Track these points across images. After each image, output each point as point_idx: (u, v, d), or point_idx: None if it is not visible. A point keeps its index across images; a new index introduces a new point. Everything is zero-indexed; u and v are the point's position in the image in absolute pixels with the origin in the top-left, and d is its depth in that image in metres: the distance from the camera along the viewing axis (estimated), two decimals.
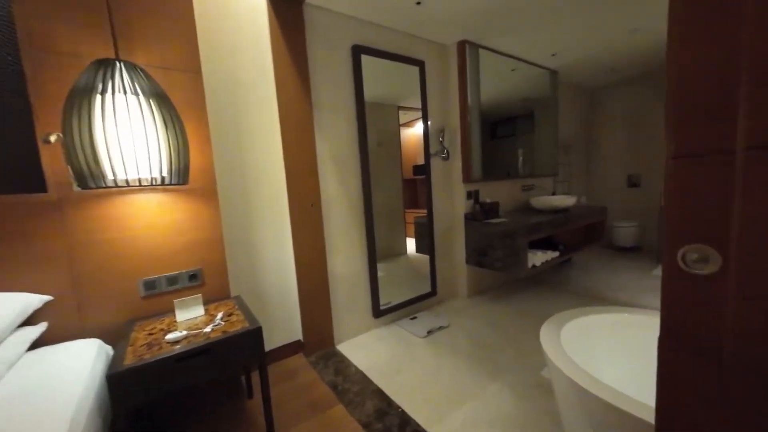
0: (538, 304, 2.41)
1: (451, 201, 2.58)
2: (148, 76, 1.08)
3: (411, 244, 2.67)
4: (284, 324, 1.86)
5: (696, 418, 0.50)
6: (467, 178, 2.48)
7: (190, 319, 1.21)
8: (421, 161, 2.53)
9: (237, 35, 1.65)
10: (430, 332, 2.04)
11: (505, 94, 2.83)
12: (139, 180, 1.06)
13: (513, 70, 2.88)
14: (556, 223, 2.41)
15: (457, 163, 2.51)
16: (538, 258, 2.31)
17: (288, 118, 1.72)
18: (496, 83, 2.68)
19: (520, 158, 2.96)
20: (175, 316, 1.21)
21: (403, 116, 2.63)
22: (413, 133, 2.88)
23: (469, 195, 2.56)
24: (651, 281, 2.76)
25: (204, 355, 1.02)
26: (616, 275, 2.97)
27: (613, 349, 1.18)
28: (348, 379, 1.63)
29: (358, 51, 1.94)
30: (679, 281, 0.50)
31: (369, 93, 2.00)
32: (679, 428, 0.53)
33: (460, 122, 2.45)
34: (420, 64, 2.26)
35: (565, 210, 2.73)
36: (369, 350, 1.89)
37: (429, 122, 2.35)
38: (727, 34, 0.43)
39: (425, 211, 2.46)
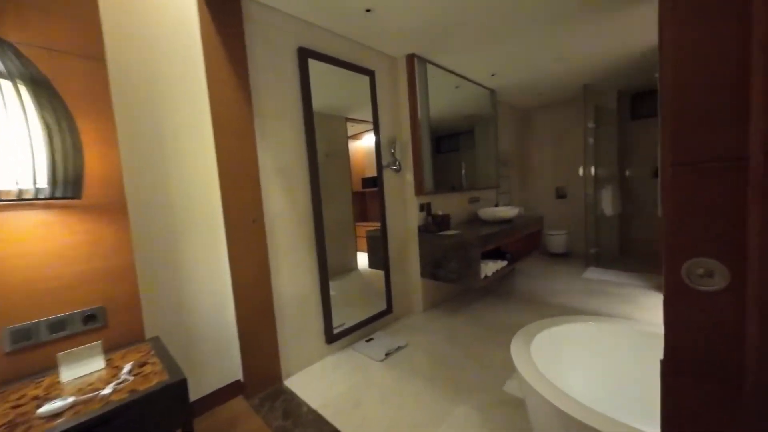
0: (492, 313, 2.45)
1: (404, 214, 2.53)
2: (19, 55, 0.80)
3: (362, 259, 2.54)
4: (219, 362, 1.56)
5: None
6: (419, 190, 2.45)
7: (82, 377, 0.91)
8: (370, 174, 2.44)
9: (159, 21, 1.40)
10: (388, 354, 1.91)
11: (449, 110, 2.91)
12: None
13: (457, 87, 3.00)
14: (505, 233, 2.50)
15: (408, 175, 2.48)
16: (489, 268, 2.35)
17: (223, 121, 1.49)
18: (442, 99, 2.75)
19: (464, 171, 3.06)
20: (58, 375, 0.90)
21: (351, 128, 2.54)
22: (361, 145, 2.80)
23: (422, 207, 2.54)
24: (583, 284, 3.01)
25: (101, 430, 0.75)
26: (553, 280, 3.19)
27: (581, 358, 1.18)
28: (300, 421, 1.41)
29: (305, 54, 1.80)
30: (684, 299, 0.46)
31: (317, 103, 1.86)
32: None
33: (411, 134, 2.43)
34: (370, 74, 2.20)
35: (509, 221, 2.86)
36: (323, 383, 1.69)
37: (380, 133, 2.29)
38: (730, 33, 0.40)
39: (376, 224, 2.36)
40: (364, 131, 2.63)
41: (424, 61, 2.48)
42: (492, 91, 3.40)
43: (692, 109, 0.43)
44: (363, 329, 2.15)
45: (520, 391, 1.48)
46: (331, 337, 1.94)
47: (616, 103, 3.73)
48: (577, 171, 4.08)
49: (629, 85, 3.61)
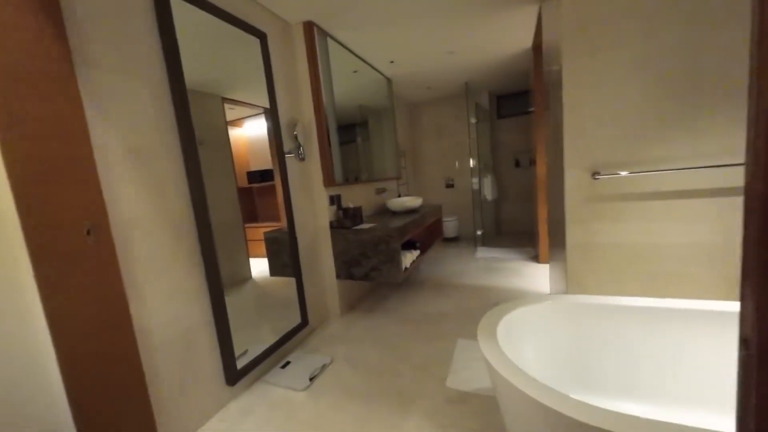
0: (409, 306, 2.40)
1: (312, 209, 2.19)
2: None
3: (258, 267, 2.09)
4: None
5: None
6: (329, 181, 2.17)
7: None
8: (256, 166, 1.99)
9: None
10: (312, 378, 1.59)
11: (348, 97, 2.70)
12: None
13: (355, 71, 2.81)
14: (416, 223, 2.47)
15: (314, 164, 2.16)
16: (407, 259, 2.28)
17: None
18: (341, 84, 2.51)
19: (366, 162, 2.93)
20: None
21: (230, 112, 2.01)
22: (243, 134, 2.27)
23: (332, 200, 2.26)
24: (477, 263, 3.34)
25: None
26: (453, 262, 3.44)
27: (535, 339, 1.17)
28: None
29: None
30: None
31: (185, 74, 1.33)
32: None
33: (315, 117, 2.11)
34: (261, 36, 1.76)
35: (416, 210, 2.88)
36: None
37: (279, 114, 1.88)
38: None
39: (272, 224, 1.97)
40: (247, 116, 2.10)
41: (324, 35, 2.18)
42: (389, 81, 3.36)
43: None
44: (275, 353, 1.74)
45: (453, 383, 1.43)
46: (234, 375, 1.48)
47: (488, 103, 4.28)
48: (461, 162, 4.53)
49: (497, 87, 4.19)
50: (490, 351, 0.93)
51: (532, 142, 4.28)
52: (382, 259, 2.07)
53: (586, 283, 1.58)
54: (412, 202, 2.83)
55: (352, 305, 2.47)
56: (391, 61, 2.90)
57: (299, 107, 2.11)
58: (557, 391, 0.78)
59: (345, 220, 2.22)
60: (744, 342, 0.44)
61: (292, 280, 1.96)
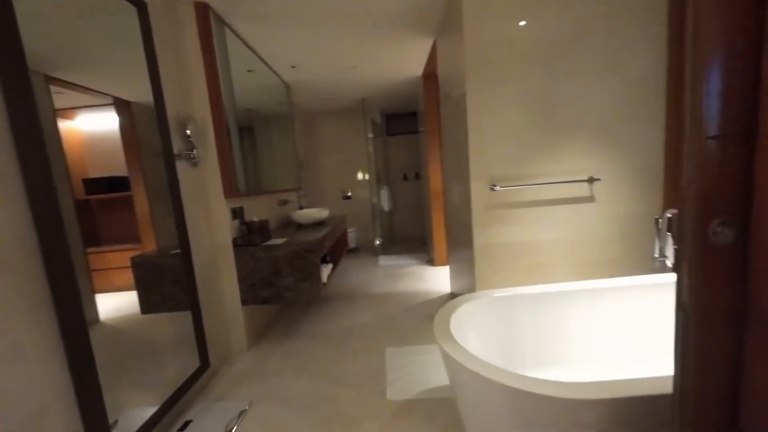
0: (325, 322, 2.27)
1: (208, 224, 1.82)
2: None
3: (111, 303, 1.58)
4: None
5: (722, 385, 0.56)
6: (231, 191, 1.85)
7: None
8: (97, 172, 1.51)
9: None
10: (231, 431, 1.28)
11: (242, 97, 2.42)
12: None
13: (250, 71, 2.54)
14: (331, 235, 2.38)
15: (211, 171, 1.81)
16: (324, 274, 2.16)
17: None
18: (235, 81, 2.23)
19: (266, 171, 2.67)
20: None
21: (61, 99, 1.48)
22: (79, 129, 1.65)
23: (234, 214, 1.93)
24: (382, 271, 3.46)
25: None
26: (358, 273, 3.46)
27: (479, 330, 1.26)
28: None
29: None
30: (710, 255, 0.53)
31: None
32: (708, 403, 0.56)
33: (212, 114, 1.77)
34: (140, 5, 1.37)
35: (323, 222, 2.78)
36: None
37: (165, 106, 1.49)
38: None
39: (127, 246, 1.55)
40: (85, 107, 1.52)
41: (222, 23, 1.88)
42: (287, 86, 3.17)
43: (725, 88, 0.50)
44: (169, 415, 1.33)
45: (393, 395, 1.43)
46: None
47: (380, 120, 4.57)
48: (357, 175, 4.66)
49: (388, 107, 4.53)
50: (452, 348, 0.97)
51: (419, 159, 4.81)
52: (300, 277, 1.89)
53: (490, 277, 1.85)
54: (319, 213, 2.71)
55: (259, 334, 2.15)
56: (293, 66, 2.75)
57: (189, 102, 1.74)
58: (517, 373, 0.88)
59: (252, 235, 1.93)
60: (681, 305, 0.59)
61: (172, 317, 1.54)
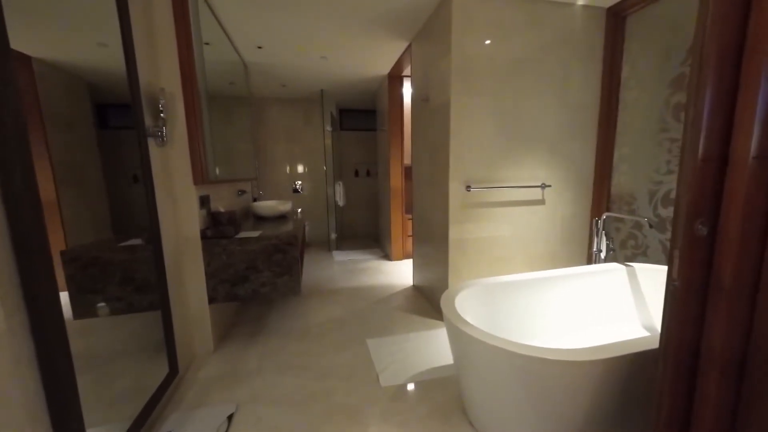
0: (298, 317, 2.20)
1: (173, 213, 1.61)
2: None
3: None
4: None
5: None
6: (200, 177, 1.66)
7: None
8: None
9: None
10: None
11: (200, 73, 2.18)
12: None
13: (207, 43, 2.29)
14: (300, 228, 2.30)
15: (178, 153, 1.60)
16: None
17: None
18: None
19: (225, 157, 2.45)
20: None
21: None
22: None
23: (202, 202, 1.74)
24: (339, 266, 3.46)
25: None
26: (316, 268, 3.39)
27: (474, 312, 1.39)
28: None
29: None
30: (694, 244, 0.74)
31: None
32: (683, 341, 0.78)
33: (183, 88, 1.57)
34: None
35: (285, 215, 2.66)
36: None
37: (138, 75, 1.28)
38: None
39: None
40: None
41: None
42: (246, 67, 2.92)
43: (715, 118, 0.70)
44: (143, 430, 1.16)
45: (387, 381, 1.50)
46: None
47: (337, 113, 4.51)
48: (312, 168, 4.52)
49: (344, 101, 4.50)
50: (460, 323, 1.09)
51: (372, 156, 4.89)
52: (278, 271, 1.80)
53: (461, 269, 2.04)
54: (282, 206, 2.59)
55: (222, 335, 1.97)
56: (260, 47, 2.56)
57: (156, 71, 1.51)
58: (524, 343, 1.03)
59: (223, 227, 1.77)
60: (671, 281, 0.79)
61: (116, 321, 1.33)
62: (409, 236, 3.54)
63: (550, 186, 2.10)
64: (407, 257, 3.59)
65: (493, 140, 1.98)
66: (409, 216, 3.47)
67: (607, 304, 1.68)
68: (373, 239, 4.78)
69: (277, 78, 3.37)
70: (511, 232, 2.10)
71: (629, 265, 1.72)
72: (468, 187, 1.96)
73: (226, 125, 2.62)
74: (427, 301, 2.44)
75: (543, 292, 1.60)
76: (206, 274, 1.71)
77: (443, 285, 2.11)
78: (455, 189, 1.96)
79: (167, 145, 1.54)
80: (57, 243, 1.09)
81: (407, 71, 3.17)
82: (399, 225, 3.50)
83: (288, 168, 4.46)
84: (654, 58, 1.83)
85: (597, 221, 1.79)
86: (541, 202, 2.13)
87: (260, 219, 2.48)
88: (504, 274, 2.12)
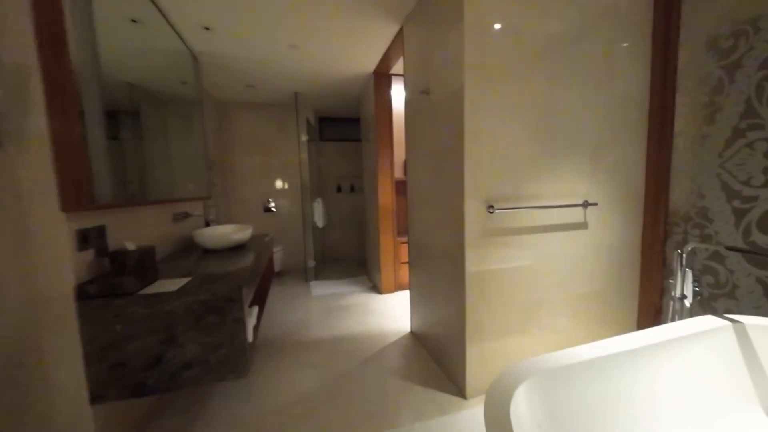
0: (256, 395, 1.53)
1: (18, 260, 0.96)
2: None
3: None
4: None
5: None
6: (78, 199, 1.03)
7: None
8: None
9: None
10: None
11: (117, 60, 1.58)
12: None
13: (135, 21, 1.70)
14: (258, 265, 1.67)
15: (34, 159, 0.97)
16: (250, 327, 1.45)
17: None
18: (111, 36, 1.41)
19: (158, 172, 1.82)
20: None
21: None
22: None
23: (85, 238, 1.10)
24: (317, 303, 2.81)
25: None
26: (288, 307, 2.73)
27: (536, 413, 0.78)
28: None
29: None
30: None
31: None
32: None
33: (40, 56, 0.96)
34: None
35: (244, 245, 2.03)
36: None
37: None
38: None
39: None
40: None
41: None
42: (196, 59, 2.34)
43: None
44: None
45: None
46: None
47: (315, 121, 3.95)
48: (285, 183, 3.90)
49: (324, 107, 3.95)
50: None
51: (356, 169, 4.32)
52: (211, 343, 1.17)
53: (480, 312, 1.46)
54: (239, 233, 1.95)
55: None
56: (207, 28, 1.98)
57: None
58: None
59: (121, 277, 1.12)
60: None
61: None
62: (403, 263, 2.95)
63: (595, 204, 1.57)
64: (400, 289, 2.99)
65: (521, 142, 1.45)
66: (403, 239, 2.89)
67: (714, 383, 1.12)
68: (358, 263, 4.15)
69: (240, 76, 2.79)
70: (545, 266, 1.55)
71: (733, 320, 1.18)
72: (490, 208, 1.40)
73: (168, 133, 2.01)
74: (433, 358, 1.83)
75: (626, 374, 1.03)
76: (86, 356, 1.05)
77: (456, 336, 1.52)
78: (473, 210, 1.40)
79: (11, 147, 0.92)
80: None
81: (397, 68, 2.66)
82: (390, 250, 2.90)
83: (259, 184, 3.82)
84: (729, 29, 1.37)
85: (682, 255, 1.26)
86: (583, 225, 1.60)
87: (208, 253, 1.83)
88: (539, 323, 1.55)
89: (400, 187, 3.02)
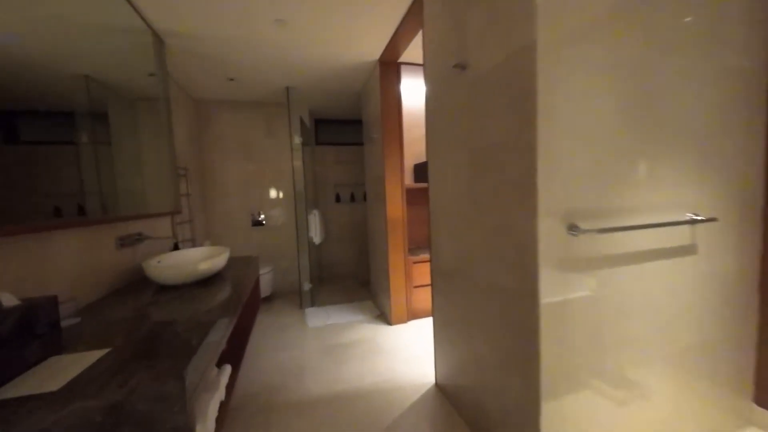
0: None
1: None
2: None
3: None
4: None
5: None
6: None
7: None
8: None
9: None
10: None
11: (53, 49, 1.10)
12: None
13: None
14: (232, 304, 1.17)
15: None
16: (211, 415, 0.95)
17: None
18: (32, 7, 0.94)
19: (102, 183, 1.34)
20: None
21: None
22: None
23: None
24: (314, 338, 2.30)
25: None
26: (277, 344, 2.22)
27: None
28: None
29: None
30: None
31: None
32: None
33: None
34: None
35: (218, 275, 1.54)
36: None
37: None
38: None
39: None
40: None
41: None
42: (161, 42, 1.88)
43: None
44: None
45: None
46: None
47: (309, 123, 3.49)
48: (278, 191, 3.42)
49: (319, 107, 3.51)
50: None
51: (358, 176, 3.86)
52: None
53: (559, 357, 0.98)
54: (210, 259, 1.45)
55: None
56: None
57: None
58: None
59: None
60: None
61: None
62: (416, 287, 2.47)
63: (712, 220, 1.12)
64: (414, 318, 2.50)
65: (608, 130, 0.99)
66: (417, 258, 2.42)
67: None
68: (361, 284, 3.65)
69: (218, 65, 2.33)
70: (639, 307, 1.09)
71: None
72: (573, 228, 0.94)
73: (125, 137, 1.53)
74: (474, 428, 1.34)
75: None
76: None
77: (522, 401, 1.04)
78: (549, 229, 0.93)
79: None
80: None
81: (408, 55, 2.23)
82: (400, 271, 2.42)
83: (245, 194, 3.33)
84: None
85: None
86: (691, 249, 1.14)
87: (164, 290, 1.34)
88: (628, 383, 1.08)
89: (411, 195, 2.56)
